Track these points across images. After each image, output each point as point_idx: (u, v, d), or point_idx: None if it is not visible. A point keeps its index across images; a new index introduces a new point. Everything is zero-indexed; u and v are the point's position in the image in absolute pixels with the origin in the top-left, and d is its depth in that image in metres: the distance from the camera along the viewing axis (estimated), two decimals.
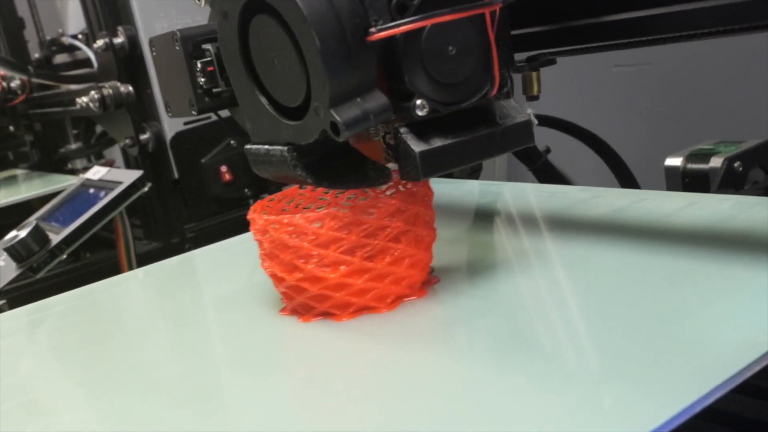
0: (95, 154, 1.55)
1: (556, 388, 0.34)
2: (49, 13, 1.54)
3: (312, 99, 0.39)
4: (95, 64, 1.15)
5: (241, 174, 1.11)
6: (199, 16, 0.84)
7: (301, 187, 0.53)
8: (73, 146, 1.49)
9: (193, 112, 0.52)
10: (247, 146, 0.47)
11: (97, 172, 1.02)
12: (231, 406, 0.39)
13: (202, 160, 1.10)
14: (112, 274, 0.69)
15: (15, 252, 0.87)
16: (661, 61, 1.31)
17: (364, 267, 0.44)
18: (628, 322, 0.39)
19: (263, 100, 0.43)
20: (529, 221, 0.60)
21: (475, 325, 0.43)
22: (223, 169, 1.11)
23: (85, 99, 1.07)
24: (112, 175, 0.99)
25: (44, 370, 0.50)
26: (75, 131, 1.50)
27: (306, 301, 0.46)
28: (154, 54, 0.56)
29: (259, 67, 0.43)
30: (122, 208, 0.93)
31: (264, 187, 1.11)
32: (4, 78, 1.38)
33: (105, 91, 1.05)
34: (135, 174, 0.95)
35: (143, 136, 1.07)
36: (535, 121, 0.44)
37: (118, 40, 1.04)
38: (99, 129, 1.51)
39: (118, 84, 1.06)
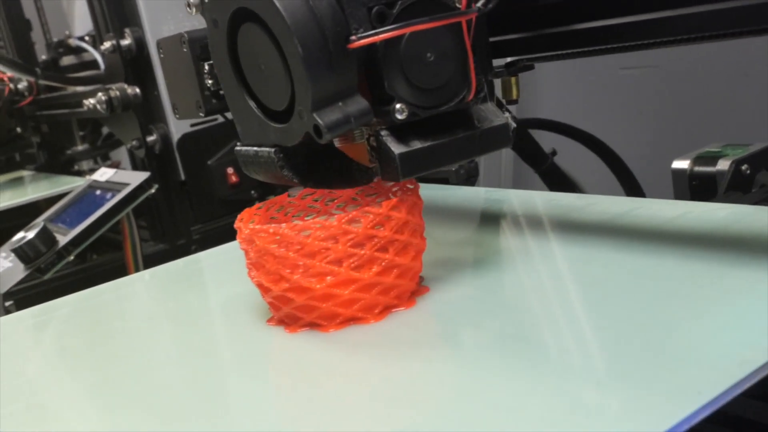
0: (102, 155, 1.56)
1: (548, 399, 0.34)
2: (55, 15, 1.54)
3: (296, 103, 0.40)
4: (102, 65, 1.16)
5: (247, 176, 1.11)
6: None
7: (289, 195, 0.53)
8: (80, 148, 1.50)
9: (201, 114, 0.53)
10: (237, 148, 0.48)
11: (104, 174, 1.03)
12: (215, 416, 0.39)
13: (209, 162, 1.10)
14: (119, 275, 0.70)
15: (23, 253, 0.88)
16: (668, 63, 1.31)
17: (351, 277, 0.43)
18: (625, 333, 0.39)
19: (252, 103, 0.45)
20: (521, 230, 0.59)
21: (463, 336, 0.42)
22: (230, 171, 1.11)
23: (92, 101, 1.07)
24: (119, 177, 0.99)
25: (50, 372, 0.50)
26: (82, 133, 1.50)
27: (292, 311, 0.45)
28: (162, 56, 0.56)
29: (247, 73, 0.44)
30: (129, 209, 0.94)
31: (270, 189, 1.11)
32: (11, 80, 1.38)
33: (112, 93, 1.06)
34: (142, 176, 0.95)
35: (150, 138, 1.08)
36: (513, 125, 0.45)
37: (125, 42, 1.04)
38: (105, 131, 1.51)
39: (125, 86, 1.06)
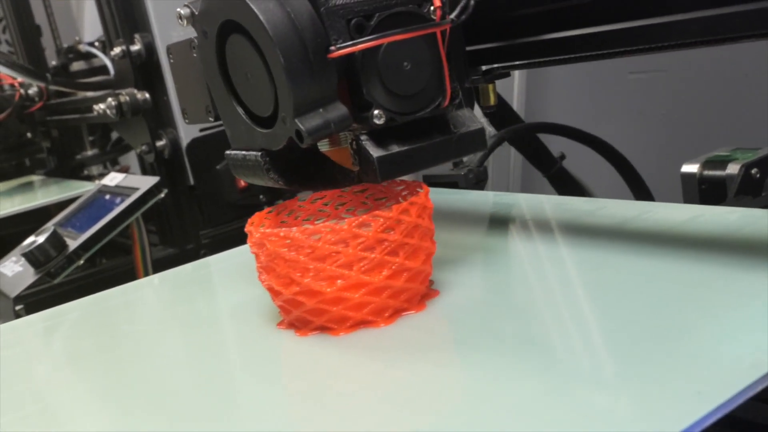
0: (111, 160, 1.56)
1: (559, 402, 0.34)
2: (65, 20, 1.55)
3: (280, 110, 0.42)
4: (112, 71, 1.16)
5: None
6: None
7: (300, 199, 0.54)
8: (90, 153, 1.51)
9: (210, 119, 0.53)
10: (227, 152, 0.50)
11: (113, 179, 1.03)
12: (226, 419, 0.39)
13: (218, 167, 1.10)
14: (129, 279, 0.70)
15: (33, 257, 0.88)
16: (677, 68, 1.31)
17: (362, 281, 0.43)
18: (636, 336, 0.39)
19: (240, 110, 0.47)
20: (530, 234, 0.59)
21: (473, 339, 0.42)
22: None
23: (102, 106, 1.08)
24: (128, 182, 0.99)
25: (60, 376, 0.50)
26: (91, 138, 1.51)
27: (303, 314, 0.45)
28: (171, 61, 0.56)
29: (235, 81, 0.46)
30: (138, 214, 0.94)
31: (279, 194, 1.11)
32: (21, 85, 1.39)
33: (122, 98, 1.06)
34: (151, 180, 0.95)
35: (159, 143, 1.08)
36: (489, 130, 0.46)
37: (135, 47, 1.05)
38: (115, 136, 1.52)
39: (135, 91, 1.07)
